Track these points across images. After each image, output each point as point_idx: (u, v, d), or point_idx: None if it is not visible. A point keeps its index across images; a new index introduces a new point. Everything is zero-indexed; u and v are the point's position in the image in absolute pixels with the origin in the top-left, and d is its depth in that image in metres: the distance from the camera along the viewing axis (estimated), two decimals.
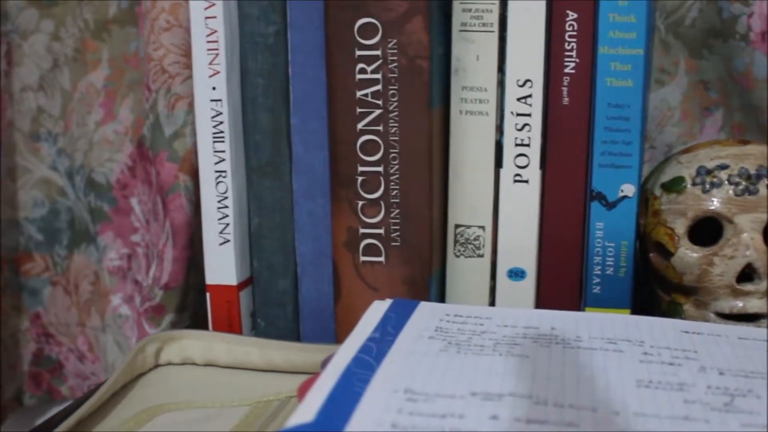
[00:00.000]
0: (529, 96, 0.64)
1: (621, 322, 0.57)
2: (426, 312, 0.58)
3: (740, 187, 0.65)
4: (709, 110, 0.81)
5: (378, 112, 0.62)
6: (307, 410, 0.43)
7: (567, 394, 0.46)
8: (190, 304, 0.81)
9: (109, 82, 0.92)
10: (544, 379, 0.48)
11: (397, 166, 0.63)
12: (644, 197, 0.70)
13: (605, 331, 0.55)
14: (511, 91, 0.65)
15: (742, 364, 0.51)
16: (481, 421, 0.42)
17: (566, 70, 0.65)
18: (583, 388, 0.47)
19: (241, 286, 0.68)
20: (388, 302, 0.60)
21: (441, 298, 0.68)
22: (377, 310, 0.58)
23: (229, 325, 0.69)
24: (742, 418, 0.44)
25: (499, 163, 0.66)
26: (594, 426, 0.42)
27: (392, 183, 0.63)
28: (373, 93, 0.62)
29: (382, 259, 0.64)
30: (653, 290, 0.71)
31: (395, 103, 0.62)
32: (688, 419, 0.44)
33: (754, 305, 0.65)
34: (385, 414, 0.43)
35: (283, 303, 0.68)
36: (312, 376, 0.51)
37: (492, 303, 0.68)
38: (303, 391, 0.52)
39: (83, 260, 0.97)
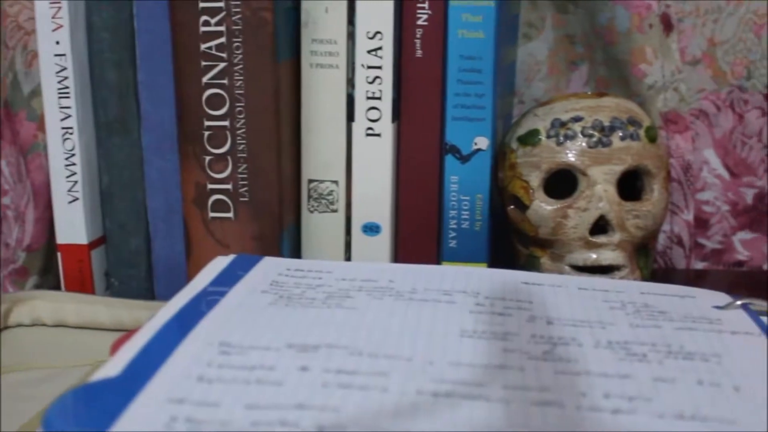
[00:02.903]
0: (380, 48, 0.63)
1: (462, 274, 0.57)
2: (267, 267, 0.57)
3: (593, 139, 0.65)
4: (575, 64, 0.81)
5: (222, 65, 0.61)
6: (115, 365, 0.42)
7: (386, 344, 0.45)
8: (55, 266, 0.79)
9: None
10: (367, 330, 0.47)
11: (243, 121, 0.62)
12: (502, 151, 0.70)
13: (443, 284, 0.55)
14: (362, 44, 0.64)
15: (575, 313, 0.51)
16: (290, 373, 0.42)
17: (419, 22, 0.64)
18: (404, 339, 0.46)
19: (92, 245, 0.67)
20: (230, 258, 0.59)
21: (296, 254, 0.67)
22: (216, 265, 0.57)
23: (82, 285, 0.67)
24: (557, 365, 0.44)
25: (351, 116, 0.65)
26: (405, 375, 0.42)
27: (239, 138, 0.62)
28: (217, 46, 0.61)
29: (231, 215, 0.63)
30: (512, 244, 0.71)
31: (240, 56, 0.61)
32: (503, 368, 0.44)
33: (607, 257, 0.65)
34: (193, 367, 0.42)
35: (137, 262, 0.67)
36: (128, 332, 0.50)
37: (348, 258, 0.67)
38: (116, 346, 0.51)
39: None
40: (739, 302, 0.54)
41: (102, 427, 0.37)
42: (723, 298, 0.56)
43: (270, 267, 0.58)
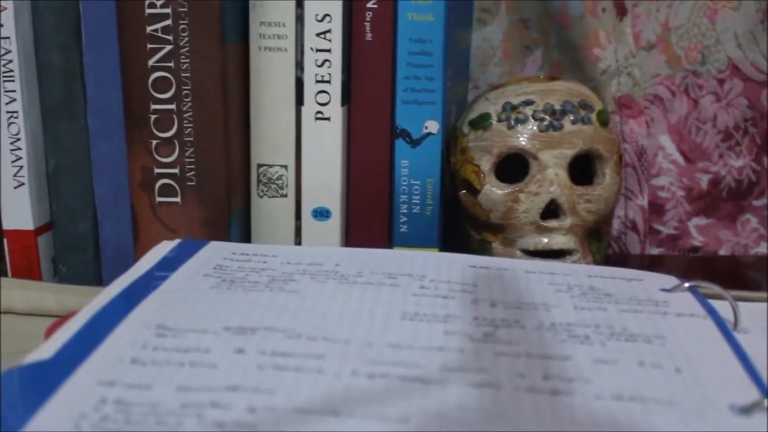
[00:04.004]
0: (329, 31, 0.63)
1: (408, 258, 0.57)
2: (212, 251, 0.57)
3: (545, 123, 0.65)
4: (529, 49, 0.81)
5: (169, 48, 0.60)
6: (49, 348, 0.42)
7: (324, 327, 0.45)
8: (1, 252, 0.78)
9: None
10: (307, 313, 0.47)
11: (190, 104, 0.61)
12: (454, 135, 0.69)
13: (389, 267, 0.55)
14: (311, 27, 0.63)
15: (519, 296, 0.51)
16: (225, 355, 0.41)
17: (368, 5, 0.64)
18: (344, 322, 0.46)
19: (39, 230, 0.66)
20: (175, 242, 0.58)
21: (246, 239, 0.67)
22: (160, 249, 0.57)
23: (29, 272, 0.66)
24: (497, 347, 0.44)
25: (300, 100, 0.64)
26: (342, 357, 0.42)
27: (186, 121, 0.61)
28: (163, 28, 0.60)
29: (178, 199, 0.63)
30: (465, 229, 0.71)
31: (186, 39, 0.60)
32: (442, 349, 0.43)
33: (559, 241, 0.65)
34: (127, 349, 0.41)
35: (84, 247, 0.66)
36: (64, 316, 0.49)
37: (298, 243, 0.67)
38: (51, 330, 0.50)
39: None
40: (686, 284, 0.54)
41: (31, 409, 0.36)
42: (671, 281, 0.56)
43: (215, 251, 0.57)
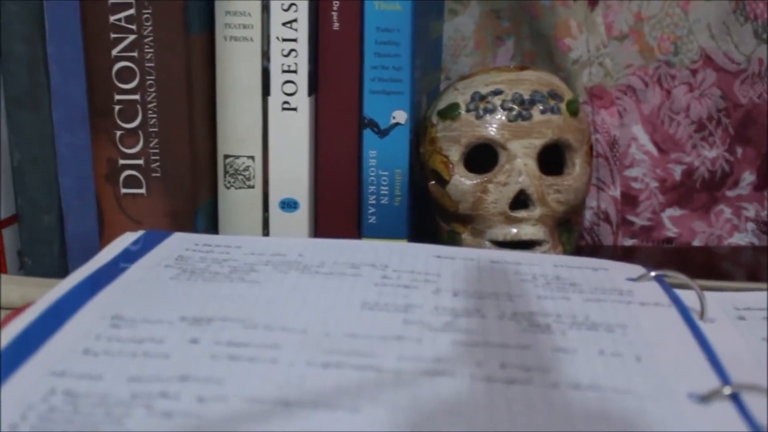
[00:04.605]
0: (295, 21, 0.62)
1: (373, 248, 0.57)
2: (175, 242, 0.56)
3: (513, 113, 0.64)
4: (501, 39, 0.81)
5: (132, 37, 0.60)
6: (2, 339, 0.41)
7: (282, 317, 0.45)
8: None
9: None
10: (266, 303, 0.46)
11: (154, 94, 0.60)
12: (423, 125, 0.69)
13: (353, 257, 0.54)
14: (277, 16, 0.63)
15: (483, 285, 0.51)
16: (179, 345, 0.41)
17: None
18: (302, 312, 0.45)
19: (4, 223, 0.65)
20: (138, 233, 0.58)
21: (213, 230, 0.66)
22: (122, 241, 0.56)
23: None
24: (456, 336, 0.43)
25: (266, 90, 0.64)
26: (298, 347, 0.41)
27: (150, 112, 0.61)
28: (126, 18, 0.59)
29: (143, 191, 0.62)
30: (435, 220, 0.70)
31: (150, 28, 0.59)
32: (400, 339, 0.43)
33: (528, 232, 0.65)
34: (81, 340, 0.41)
35: (50, 240, 0.66)
36: (20, 307, 0.48)
37: (266, 235, 0.66)
38: (7, 321, 0.49)
39: None
40: (653, 273, 0.54)
41: None
42: (638, 270, 0.55)
43: (178, 242, 0.56)
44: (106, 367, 0.39)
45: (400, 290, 0.49)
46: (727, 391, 0.39)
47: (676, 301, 0.50)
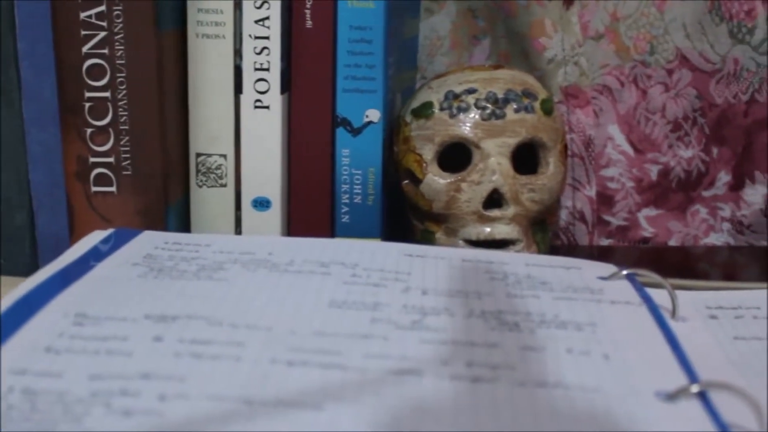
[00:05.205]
0: (268, 18, 0.62)
1: (343, 246, 0.56)
2: (144, 240, 0.56)
3: (487, 111, 0.64)
4: (477, 38, 0.80)
5: (103, 34, 0.59)
6: None
7: (248, 315, 0.44)
8: None
9: None
10: (232, 301, 0.46)
11: (125, 92, 0.60)
12: (397, 124, 0.68)
13: (323, 256, 0.54)
14: (249, 13, 0.62)
15: (453, 284, 0.50)
16: (143, 343, 0.40)
17: None
18: (269, 310, 0.45)
19: None
20: (107, 231, 0.57)
21: (185, 229, 0.66)
22: (91, 239, 0.56)
23: None
24: (423, 334, 0.43)
25: (238, 88, 0.63)
26: (263, 345, 0.41)
27: (121, 109, 0.60)
28: (97, 14, 0.59)
29: (113, 189, 0.62)
30: (408, 219, 0.70)
31: (120, 25, 0.59)
32: (367, 337, 0.42)
33: (501, 231, 0.65)
34: (43, 338, 0.41)
35: (21, 238, 0.65)
36: None
37: (239, 234, 0.66)
38: None
39: None
40: (624, 272, 0.54)
41: None
42: (610, 269, 0.55)
43: (147, 240, 0.56)
44: (68, 364, 0.38)
45: (369, 289, 0.49)
46: (695, 389, 0.39)
47: (647, 300, 0.50)
